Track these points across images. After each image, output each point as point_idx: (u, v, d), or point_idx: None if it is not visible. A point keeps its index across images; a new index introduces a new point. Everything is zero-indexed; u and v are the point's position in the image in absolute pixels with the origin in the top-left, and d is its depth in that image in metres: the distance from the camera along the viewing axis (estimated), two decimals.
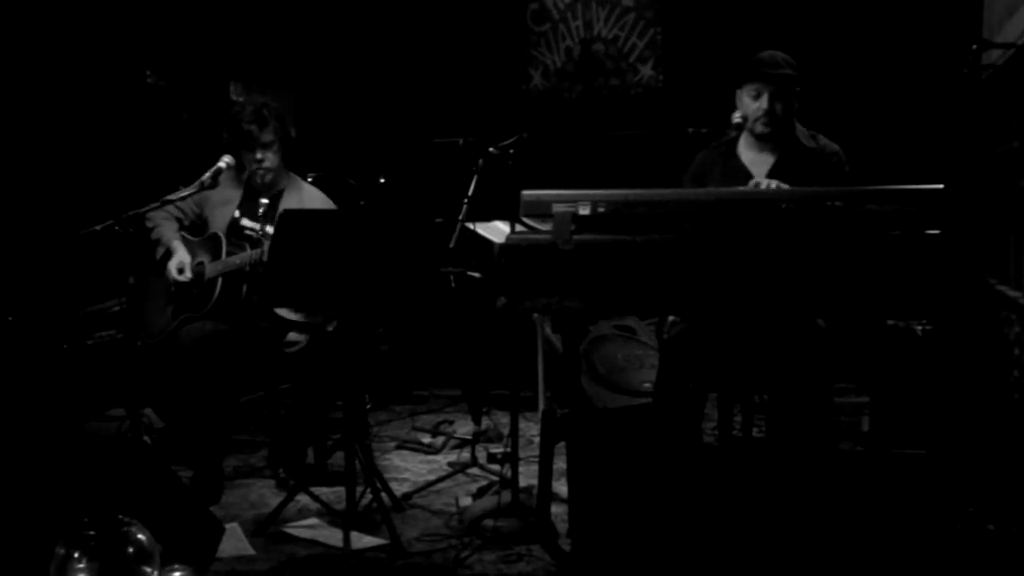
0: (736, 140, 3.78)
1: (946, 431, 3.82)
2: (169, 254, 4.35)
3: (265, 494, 4.37)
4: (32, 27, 5.34)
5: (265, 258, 4.00)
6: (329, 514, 4.01)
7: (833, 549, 2.96)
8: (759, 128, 3.68)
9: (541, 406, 4.45)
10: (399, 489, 4.34)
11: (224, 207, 4.40)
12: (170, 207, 4.36)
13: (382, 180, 5.77)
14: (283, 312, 4.29)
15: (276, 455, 4.56)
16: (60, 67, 5.47)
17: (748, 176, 3.70)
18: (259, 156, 4.29)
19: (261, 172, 4.32)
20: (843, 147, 3.77)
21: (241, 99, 6.26)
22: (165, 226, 4.40)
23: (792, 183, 3.51)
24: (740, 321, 3.42)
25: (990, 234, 3.78)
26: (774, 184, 3.46)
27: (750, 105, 3.67)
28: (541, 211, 2.93)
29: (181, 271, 4.29)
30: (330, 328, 4.39)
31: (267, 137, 4.28)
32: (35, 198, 5.25)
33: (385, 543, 3.74)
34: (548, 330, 4.67)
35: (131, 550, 2.86)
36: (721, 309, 3.04)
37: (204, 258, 4.33)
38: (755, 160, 3.74)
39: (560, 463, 3.87)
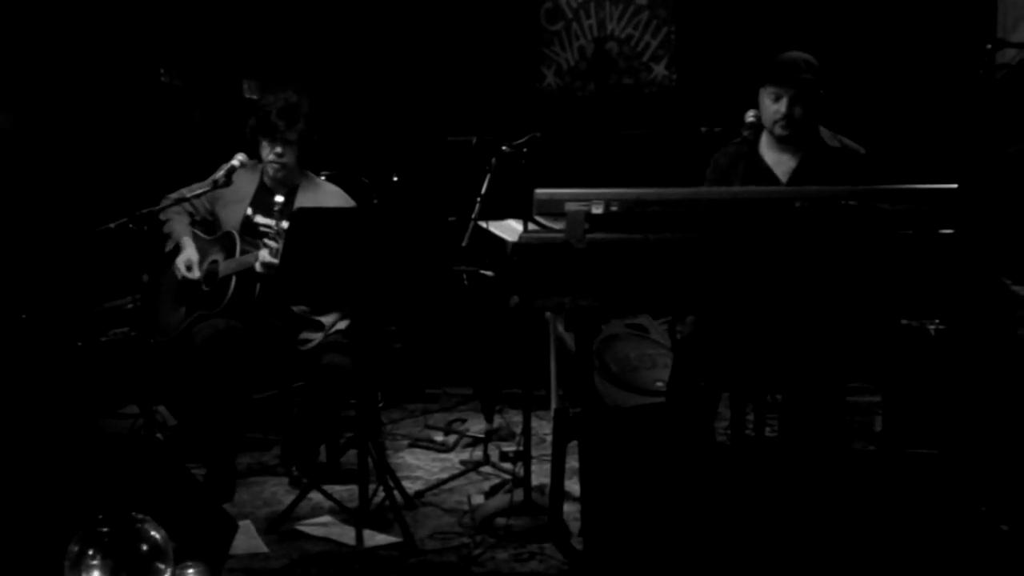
0: (756, 139, 3.76)
1: (959, 431, 3.81)
2: (178, 249, 4.36)
3: (278, 492, 4.38)
4: (47, 27, 5.36)
5: (279, 256, 4.01)
6: (342, 512, 4.01)
7: (845, 549, 2.96)
8: (778, 131, 3.65)
9: (553, 405, 4.45)
10: (411, 487, 4.35)
11: (236, 204, 4.41)
12: (185, 204, 4.39)
13: (395, 178, 5.77)
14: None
15: (289, 453, 4.57)
16: (75, 66, 5.49)
17: (771, 177, 3.68)
18: (279, 151, 4.30)
19: (276, 167, 4.33)
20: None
21: (255, 97, 6.27)
22: (177, 220, 4.42)
23: (816, 184, 3.50)
24: (753, 320, 3.41)
25: (1004, 234, 3.77)
26: None
27: (770, 107, 3.64)
28: (554, 210, 2.93)
29: (189, 268, 4.31)
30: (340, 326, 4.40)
31: (292, 135, 4.29)
32: (50, 196, 5.27)
33: (398, 541, 3.75)
34: (561, 329, 4.67)
35: (145, 547, 2.86)
36: (734, 308, 3.03)
37: (218, 256, 4.33)
38: (778, 161, 3.72)
39: (572, 462, 3.87)
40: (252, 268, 4.14)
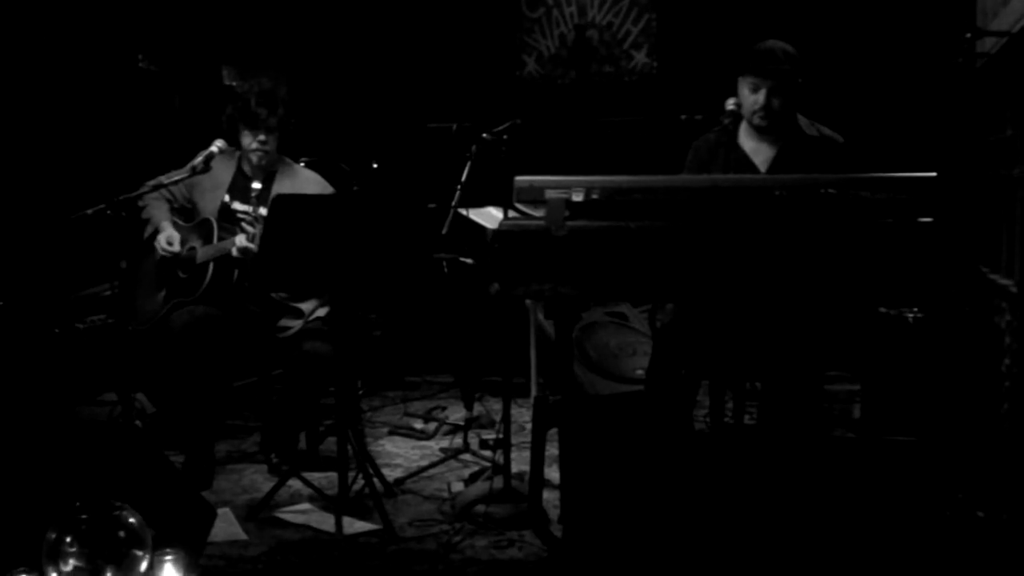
0: (735, 128, 3.76)
1: (937, 418, 3.84)
2: (157, 233, 4.34)
3: (257, 479, 4.37)
4: (24, 12, 5.31)
5: (256, 241, 4.01)
6: (321, 499, 4.01)
7: (824, 535, 2.97)
8: (756, 121, 3.65)
9: (533, 392, 4.45)
10: (391, 475, 4.35)
11: (214, 191, 4.39)
12: (163, 191, 4.37)
13: (375, 165, 5.76)
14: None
15: (268, 440, 4.57)
16: (52, 52, 5.45)
17: (750, 165, 3.68)
18: (262, 138, 4.29)
19: (259, 155, 4.32)
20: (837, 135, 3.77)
21: (234, 83, 6.24)
22: (155, 206, 4.40)
23: (795, 172, 3.50)
24: (733, 308, 3.42)
25: (982, 222, 3.79)
26: None
27: (748, 97, 3.64)
28: (534, 197, 2.92)
29: (171, 243, 4.28)
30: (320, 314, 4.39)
31: (272, 121, 4.27)
32: (27, 182, 5.23)
33: (377, 528, 3.75)
34: (541, 316, 4.67)
35: (123, 534, 2.85)
36: (714, 296, 3.04)
37: (196, 243, 4.31)
38: (756, 150, 3.72)
39: (552, 449, 3.87)
40: (230, 254, 4.12)
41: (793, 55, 3.62)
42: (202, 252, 4.26)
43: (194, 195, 4.43)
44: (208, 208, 4.37)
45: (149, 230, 4.40)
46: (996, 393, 3.58)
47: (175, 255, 4.29)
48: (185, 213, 4.47)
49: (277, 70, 4.43)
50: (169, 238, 4.30)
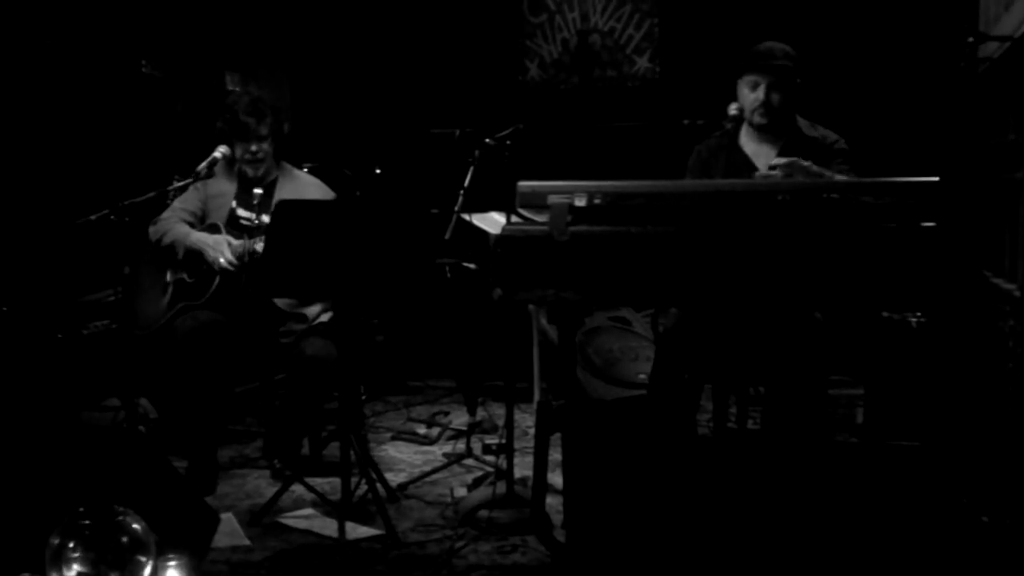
0: (737, 132, 3.77)
1: (941, 423, 3.83)
2: (193, 252, 4.26)
3: (260, 484, 4.37)
4: (28, 17, 5.32)
5: (260, 248, 4.01)
6: (324, 505, 4.01)
7: (827, 540, 2.97)
8: (756, 119, 3.67)
9: (536, 397, 4.46)
10: (394, 480, 4.34)
11: (221, 199, 4.40)
12: (180, 213, 4.35)
13: (378, 171, 5.76)
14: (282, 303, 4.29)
15: (271, 445, 4.57)
16: (56, 57, 5.46)
17: (752, 168, 3.69)
18: (253, 148, 4.29)
19: (253, 164, 4.32)
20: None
21: (237, 89, 6.25)
22: (176, 228, 4.33)
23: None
24: (736, 313, 3.42)
25: (985, 227, 3.79)
26: (782, 161, 3.43)
27: (748, 96, 3.67)
28: (537, 202, 2.92)
29: (231, 262, 4.19)
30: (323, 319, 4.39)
31: (263, 130, 4.28)
32: (31, 188, 5.24)
33: (380, 534, 3.75)
34: (544, 321, 4.67)
35: (126, 540, 2.85)
36: (717, 301, 3.04)
37: None
38: (757, 151, 3.73)
39: (555, 454, 3.88)
40: (241, 258, 4.11)
41: (791, 54, 3.65)
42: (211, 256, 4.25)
43: (207, 206, 4.41)
44: (218, 216, 4.37)
45: (181, 250, 4.31)
46: (999, 398, 3.58)
47: (239, 259, 4.18)
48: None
49: (271, 76, 4.43)
50: (229, 260, 4.18)
